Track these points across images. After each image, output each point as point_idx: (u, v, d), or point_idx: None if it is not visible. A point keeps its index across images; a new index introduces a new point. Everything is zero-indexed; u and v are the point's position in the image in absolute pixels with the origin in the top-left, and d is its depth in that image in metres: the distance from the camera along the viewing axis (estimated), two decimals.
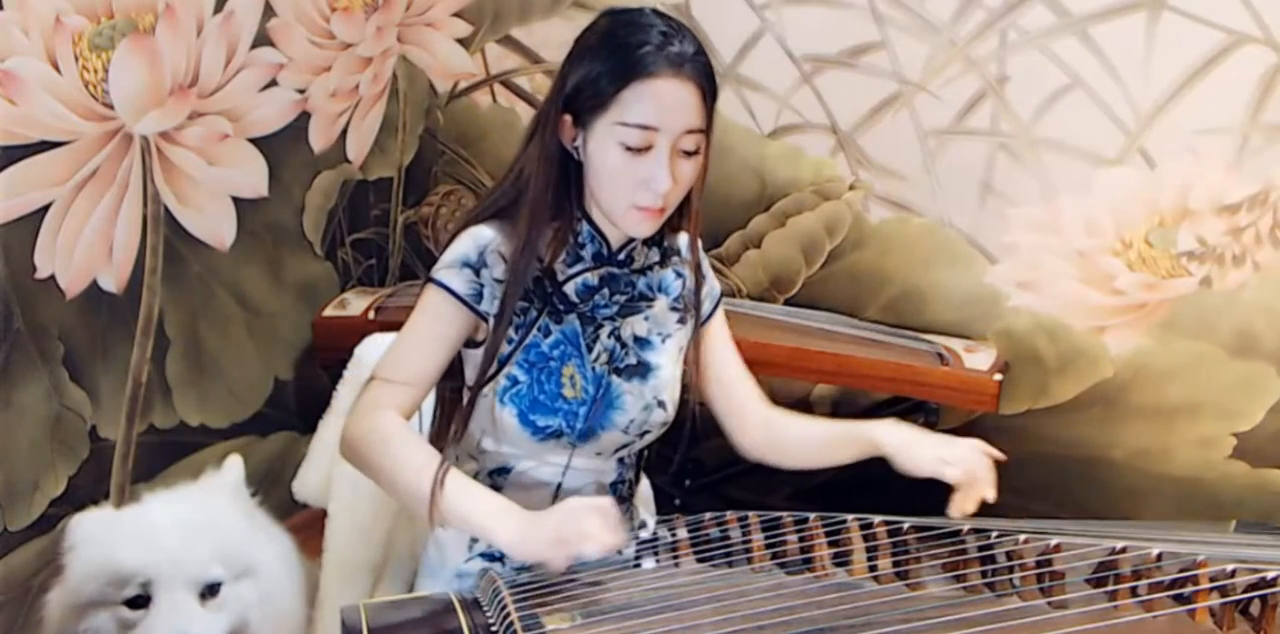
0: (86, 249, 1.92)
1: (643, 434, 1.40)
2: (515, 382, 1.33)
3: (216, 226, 2.18)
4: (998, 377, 2.12)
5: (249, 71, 2.16)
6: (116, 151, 1.94)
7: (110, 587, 1.31)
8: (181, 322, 2.14)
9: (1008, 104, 2.17)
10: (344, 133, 2.46)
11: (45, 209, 1.84)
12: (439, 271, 1.31)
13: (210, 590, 1.33)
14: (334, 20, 2.33)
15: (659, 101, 1.23)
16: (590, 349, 1.35)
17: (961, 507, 1.29)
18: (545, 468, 1.38)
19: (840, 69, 2.28)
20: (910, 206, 2.31)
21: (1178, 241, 2.12)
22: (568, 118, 1.28)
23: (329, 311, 2.41)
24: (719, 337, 1.51)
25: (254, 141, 2.22)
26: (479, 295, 1.30)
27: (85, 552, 1.34)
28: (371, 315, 2.36)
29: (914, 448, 1.34)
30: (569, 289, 1.35)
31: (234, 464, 1.46)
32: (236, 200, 2.21)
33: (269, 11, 2.18)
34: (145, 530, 1.34)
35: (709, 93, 1.26)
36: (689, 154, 1.27)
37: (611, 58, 1.24)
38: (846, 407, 2.45)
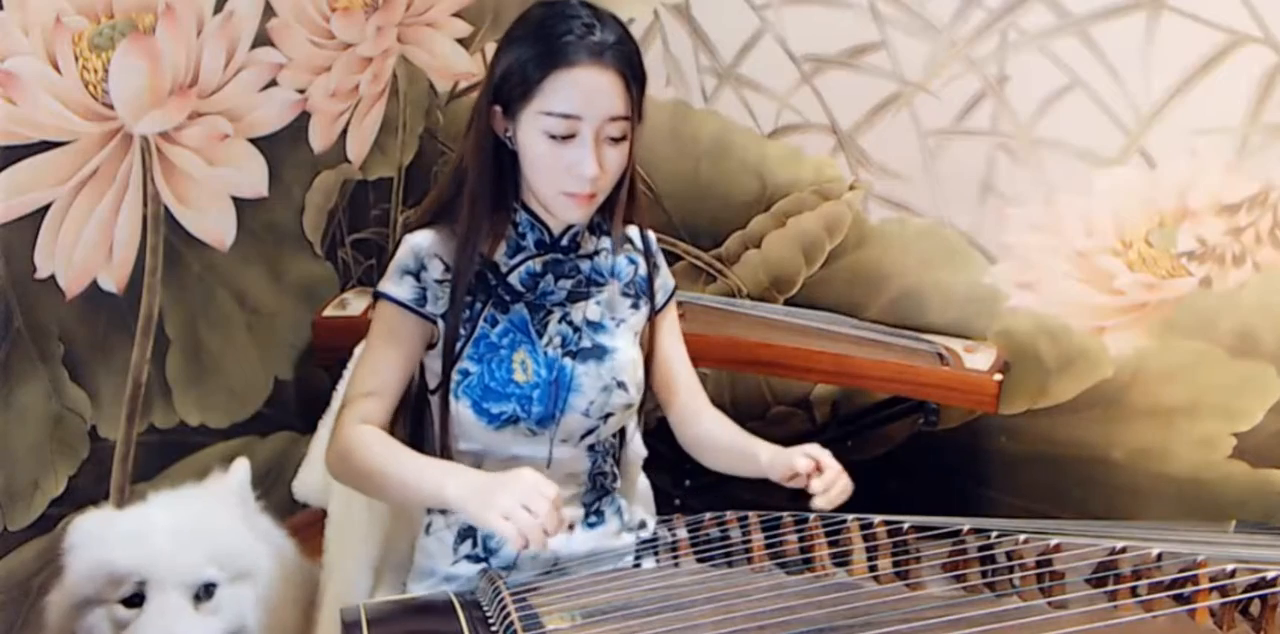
0: (86, 249, 1.92)
1: (605, 417, 1.40)
2: (466, 374, 1.36)
3: (216, 226, 2.18)
4: (998, 377, 2.12)
5: (249, 71, 2.16)
6: (116, 151, 1.94)
7: (107, 586, 1.32)
8: (181, 321, 2.14)
9: (1008, 104, 2.17)
10: (344, 133, 2.46)
11: (45, 209, 1.84)
12: (382, 285, 1.36)
13: (205, 592, 1.33)
14: (334, 20, 2.33)
15: (580, 90, 1.26)
16: (541, 335, 1.38)
17: (819, 497, 1.34)
18: (514, 465, 1.36)
19: (840, 69, 2.28)
20: (910, 206, 2.31)
21: (1178, 241, 2.12)
22: (498, 109, 1.32)
23: (329, 312, 2.41)
24: (667, 329, 1.53)
25: (254, 141, 2.22)
26: (423, 299, 1.35)
27: (84, 552, 1.35)
28: (371, 315, 2.36)
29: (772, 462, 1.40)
30: (513, 278, 1.38)
31: (240, 467, 1.47)
32: (236, 200, 2.21)
33: (269, 11, 2.17)
34: (142, 531, 1.35)
35: (633, 80, 1.28)
36: (615, 141, 1.29)
37: (534, 48, 1.27)
38: (846, 406, 2.45)
